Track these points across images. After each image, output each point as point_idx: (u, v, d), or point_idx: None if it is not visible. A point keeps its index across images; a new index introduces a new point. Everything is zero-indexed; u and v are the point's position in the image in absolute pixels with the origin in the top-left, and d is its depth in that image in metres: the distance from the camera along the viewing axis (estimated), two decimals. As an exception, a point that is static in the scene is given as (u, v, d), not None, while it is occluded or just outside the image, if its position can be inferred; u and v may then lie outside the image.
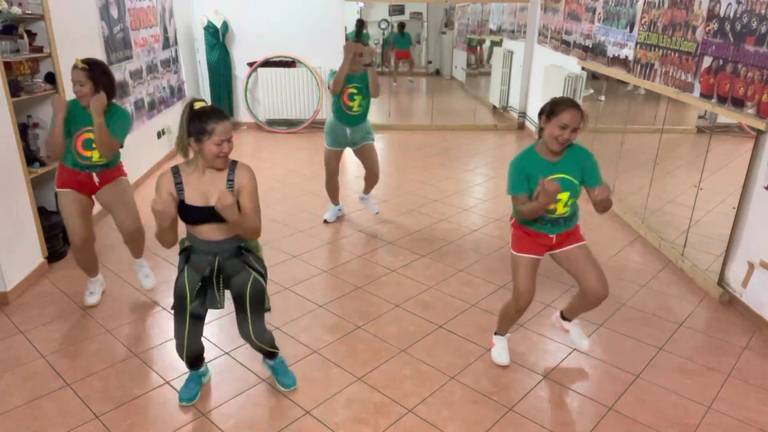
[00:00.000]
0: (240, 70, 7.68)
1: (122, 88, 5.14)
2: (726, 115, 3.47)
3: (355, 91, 4.16)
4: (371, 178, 4.61)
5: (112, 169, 3.22)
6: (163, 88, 6.34)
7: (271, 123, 7.82)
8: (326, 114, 7.64)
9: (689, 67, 3.86)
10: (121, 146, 3.13)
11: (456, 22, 12.00)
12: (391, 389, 2.68)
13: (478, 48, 10.58)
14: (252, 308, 2.44)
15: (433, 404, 2.59)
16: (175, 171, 2.28)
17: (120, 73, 5.11)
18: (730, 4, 3.43)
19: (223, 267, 2.36)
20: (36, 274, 3.65)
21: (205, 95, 7.76)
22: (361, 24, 10.80)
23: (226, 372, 2.80)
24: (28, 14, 3.72)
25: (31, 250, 3.65)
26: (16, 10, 3.58)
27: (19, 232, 3.51)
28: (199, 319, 2.43)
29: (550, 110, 2.44)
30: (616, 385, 2.73)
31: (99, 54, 4.68)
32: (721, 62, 3.52)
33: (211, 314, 2.47)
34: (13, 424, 2.45)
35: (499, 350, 2.89)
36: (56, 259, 3.91)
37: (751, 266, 3.28)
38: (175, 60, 6.83)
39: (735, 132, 4.15)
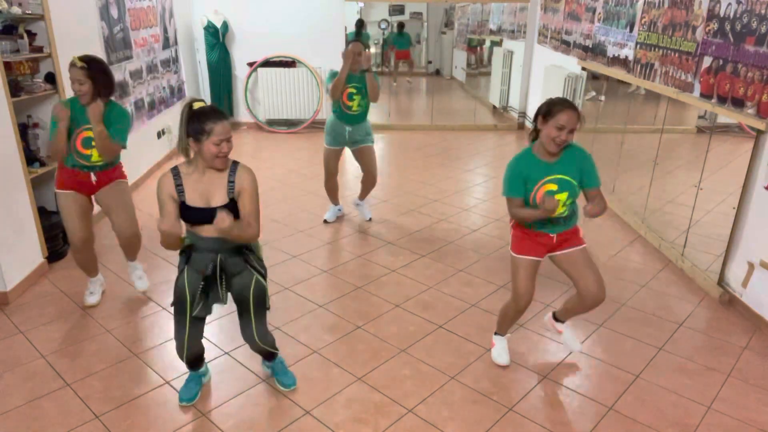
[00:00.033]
0: (240, 70, 7.69)
1: (122, 88, 5.14)
2: (726, 115, 3.47)
3: (354, 90, 4.16)
4: (368, 182, 4.59)
5: (111, 169, 3.21)
6: (163, 88, 6.34)
7: (271, 123, 7.82)
8: (326, 114, 7.63)
9: (689, 67, 3.86)
10: (125, 147, 3.14)
11: (456, 22, 12.00)
12: (391, 389, 2.68)
13: (478, 48, 10.59)
14: (255, 310, 2.44)
15: (433, 404, 2.59)
16: (175, 173, 2.28)
17: (120, 73, 5.11)
18: (730, 4, 3.43)
19: (225, 265, 2.35)
20: (36, 274, 3.65)
21: (205, 95, 7.76)
22: (360, 24, 10.80)
23: (226, 372, 2.80)
24: (28, 14, 3.72)
25: (31, 250, 3.65)
26: (16, 10, 3.58)
27: (19, 232, 3.51)
28: (199, 321, 2.43)
29: (547, 111, 2.44)
30: (616, 385, 2.73)
31: (99, 54, 4.68)
32: (721, 62, 3.52)
33: (210, 314, 2.46)
34: (13, 424, 2.45)
35: (499, 350, 2.89)
36: (56, 259, 3.91)
37: (751, 266, 3.28)
38: (175, 60, 6.83)
39: (735, 132, 4.15)
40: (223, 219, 2.15)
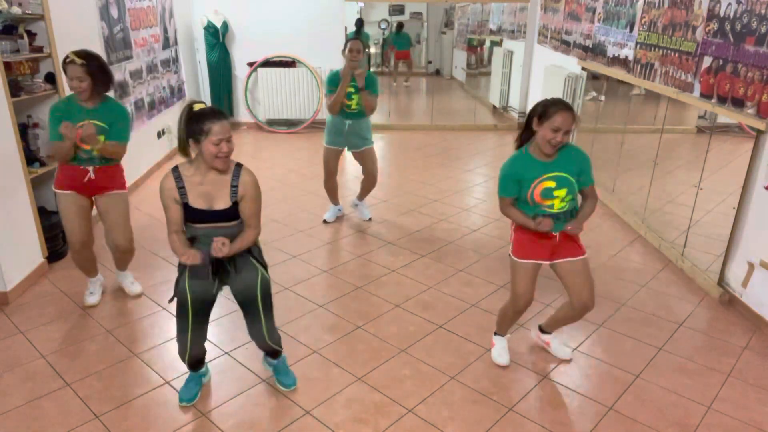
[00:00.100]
0: (240, 70, 7.69)
1: (122, 88, 5.14)
2: (726, 115, 3.47)
3: (352, 90, 4.16)
4: (369, 182, 4.58)
5: (111, 166, 3.19)
6: (163, 88, 6.34)
7: (271, 123, 7.82)
8: (326, 114, 7.63)
9: (689, 67, 3.86)
10: (126, 141, 3.14)
11: (456, 22, 12.00)
12: (391, 389, 2.68)
13: (479, 48, 10.59)
14: (264, 308, 2.45)
15: (433, 404, 2.59)
16: (177, 175, 2.28)
17: (120, 73, 5.11)
18: (730, 4, 3.43)
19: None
20: (36, 274, 3.65)
21: (205, 95, 7.76)
22: (360, 23, 10.81)
23: (226, 372, 2.80)
24: (28, 14, 3.72)
25: (31, 250, 3.65)
26: (16, 10, 3.58)
27: (19, 232, 3.51)
28: (202, 324, 2.43)
29: (542, 112, 2.43)
30: (616, 385, 2.73)
31: (99, 54, 4.67)
32: (721, 62, 3.52)
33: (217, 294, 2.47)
34: (13, 424, 2.45)
35: (499, 350, 2.89)
36: (56, 259, 3.91)
37: (751, 266, 3.28)
38: (175, 60, 6.83)
39: (735, 132, 4.15)
40: (220, 249, 2.20)
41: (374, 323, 3.23)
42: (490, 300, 3.47)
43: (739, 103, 3.34)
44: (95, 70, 2.96)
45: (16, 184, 3.48)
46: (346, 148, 4.43)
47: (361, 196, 4.72)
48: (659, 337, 3.12)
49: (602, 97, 5.98)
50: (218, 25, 7.29)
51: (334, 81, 4.16)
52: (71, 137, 2.90)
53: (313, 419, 2.49)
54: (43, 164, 3.80)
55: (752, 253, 3.29)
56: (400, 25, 11.81)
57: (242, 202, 2.32)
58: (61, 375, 2.76)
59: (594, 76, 5.73)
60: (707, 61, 3.66)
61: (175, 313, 2.45)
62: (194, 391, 2.59)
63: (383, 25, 12.52)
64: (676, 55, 4.03)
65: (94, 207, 3.29)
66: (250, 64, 7.56)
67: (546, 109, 2.42)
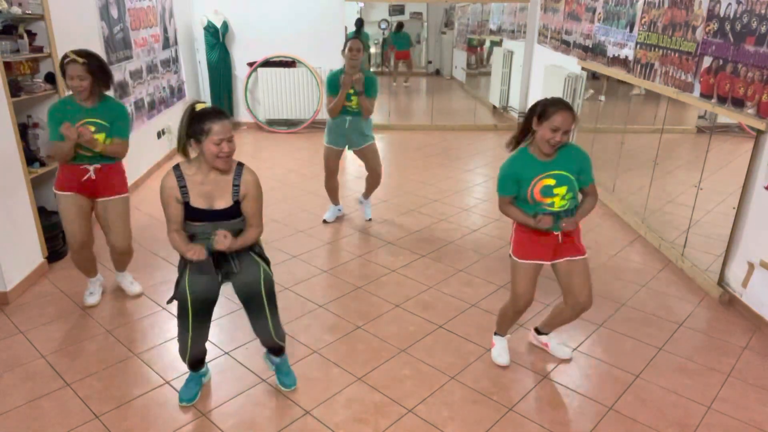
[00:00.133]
0: (240, 70, 7.69)
1: (122, 88, 5.14)
2: (726, 115, 3.47)
3: (352, 91, 4.16)
4: (373, 180, 4.59)
5: (112, 165, 3.18)
6: (163, 88, 6.34)
7: (271, 123, 7.82)
8: (325, 114, 7.63)
9: (689, 67, 3.86)
10: (126, 138, 3.15)
11: (456, 22, 12.00)
12: (391, 389, 2.68)
13: (479, 48, 10.59)
14: (269, 303, 2.44)
15: (433, 404, 2.59)
16: (179, 174, 2.28)
17: (120, 73, 5.11)
18: (730, 4, 3.43)
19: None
20: (36, 274, 3.65)
21: (205, 95, 7.76)
22: (360, 23, 10.81)
23: (226, 372, 2.80)
24: (28, 14, 3.72)
25: (31, 250, 3.65)
26: (16, 10, 3.58)
27: (19, 232, 3.51)
28: (203, 324, 2.43)
29: (542, 112, 2.42)
30: (616, 385, 2.73)
31: (99, 54, 4.67)
32: (721, 62, 3.52)
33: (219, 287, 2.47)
34: (13, 424, 2.45)
35: (499, 350, 2.89)
36: (56, 259, 3.91)
37: (751, 266, 3.28)
38: (175, 60, 6.83)
39: (735, 132, 4.15)
40: (222, 241, 2.20)
41: (374, 323, 3.22)
42: (490, 300, 3.47)
43: (739, 103, 3.34)
44: (95, 69, 2.96)
45: (16, 184, 3.48)
46: (346, 148, 4.42)
47: (367, 193, 4.73)
48: (659, 337, 3.12)
49: (602, 97, 5.98)
50: (218, 25, 7.29)
51: (334, 82, 4.16)
52: (72, 137, 2.90)
53: (313, 419, 2.49)
54: (43, 164, 3.80)
55: (752, 253, 3.29)
56: (400, 25, 11.81)
57: (244, 201, 2.32)
58: (61, 375, 2.76)
59: (594, 76, 5.73)
60: (707, 61, 3.66)
61: (176, 313, 2.45)
62: (194, 391, 2.59)
63: (383, 25, 12.53)
64: (676, 55, 4.03)
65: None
66: (250, 64, 7.56)
67: (545, 108, 2.41)
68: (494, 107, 9.05)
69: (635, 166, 4.98)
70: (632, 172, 5.01)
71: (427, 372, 2.81)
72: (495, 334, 2.94)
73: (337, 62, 4.27)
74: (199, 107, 2.21)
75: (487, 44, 10.02)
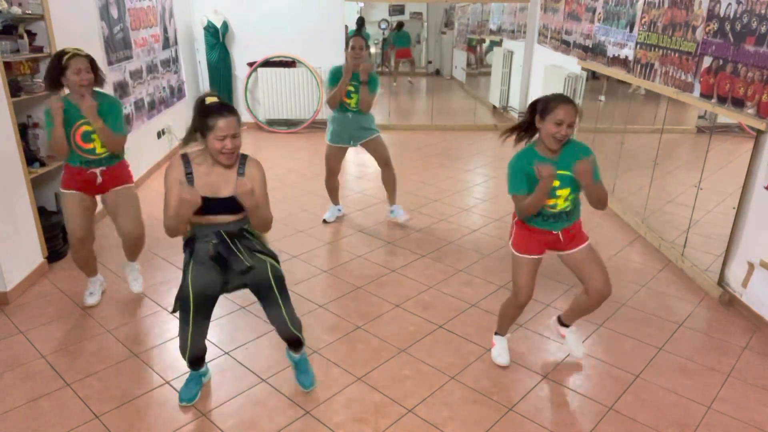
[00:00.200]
0: (240, 70, 7.69)
1: (122, 88, 5.14)
2: (726, 115, 3.47)
3: (352, 88, 4.16)
4: (388, 178, 4.51)
5: (116, 165, 3.20)
6: (163, 88, 6.34)
7: (271, 123, 7.82)
8: (325, 114, 7.63)
9: (689, 67, 3.86)
10: (125, 135, 3.15)
11: (456, 22, 12.01)
12: (391, 389, 2.68)
13: (478, 48, 10.60)
14: (280, 292, 2.44)
15: (433, 404, 2.59)
16: (186, 161, 2.29)
17: (120, 73, 5.11)
18: (730, 4, 3.43)
19: (231, 234, 2.35)
20: (36, 274, 3.65)
21: (205, 95, 7.75)
22: (361, 21, 10.82)
23: (226, 372, 2.80)
24: (28, 14, 3.72)
25: (31, 250, 3.65)
26: (16, 10, 3.58)
27: (19, 232, 3.51)
28: (203, 320, 2.43)
29: (543, 108, 2.42)
30: (616, 385, 2.73)
31: (99, 54, 4.68)
32: (721, 62, 3.52)
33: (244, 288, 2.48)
34: (13, 424, 2.45)
35: (499, 350, 2.89)
36: (56, 259, 3.91)
37: (751, 266, 3.28)
38: (175, 60, 6.83)
39: (735, 132, 4.15)
40: (244, 182, 2.17)
41: (374, 323, 3.22)
42: (490, 300, 3.47)
43: (739, 103, 3.34)
44: (94, 62, 3.02)
45: (16, 184, 3.48)
46: (349, 145, 4.40)
47: (391, 198, 4.63)
48: (659, 337, 3.12)
49: (602, 97, 5.98)
50: (218, 25, 7.29)
51: (337, 76, 4.15)
52: (58, 111, 2.89)
53: (313, 419, 2.49)
54: (43, 164, 3.80)
55: (752, 253, 3.29)
56: (401, 24, 11.82)
57: None
58: (61, 375, 2.76)
59: (594, 76, 5.73)
60: (707, 61, 3.66)
61: (171, 310, 2.45)
62: (194, 391, 2.59)
63: (383, 25, 12.53)
64: (676, 55, 4.03)
65: (100, 204, 3.29)
66: (250, 64, 7.56)
67: (546, 104, 2.42)
68: (494, 107, 9.05)
69: (635, 166, 4.98)
70: (632, 172, 5.01)
71: (427, 372, 2.81)
72: (495, 333, 2.94)
73: (337, 62, 4.27)
74: (208, 101, 2.21)
75: (485, 44, 10.03)
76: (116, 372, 2.79)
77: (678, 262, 3.93)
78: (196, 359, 2.52)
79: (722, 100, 3.50)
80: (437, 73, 13.29)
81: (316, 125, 7.72)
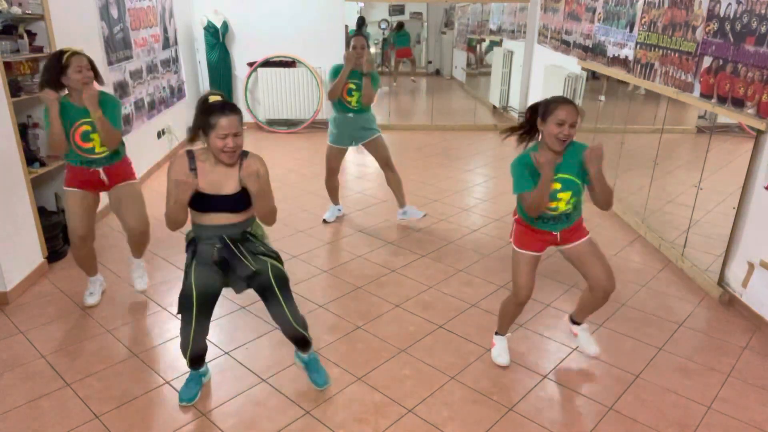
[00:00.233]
0: (240, 70, 7.69)
1: (122, 88, 5.14)
2: (726, 115, 3.47)
3: (353, 87, 4.16)
4: (393, 179, 4.51)
5: (118, 163, 3.20)
6: (163, 88, 6.34)
7: (271, 123, 7.82)
8: (326, 114, 7.64)
9: (689, 67, 3.86)
10: (121, 130, 3.15)
11: (456, 22, 12.01)
12: (391, 389, 2.68)
13: (477, 48, 10.60)
14: (281, 290, 2.44)
15: (433, 404, 2.59)
16: (191, 156, 2.30)
17: (120, 73, 5.11)
18: (730, 4, 3.43)
19: (234, 239, 2.36)
20: (36, 274, 3.65)
21: (205, 95, 7.75)
22: (362, 21, 10.82)
23: (226, 372, 2.80)
24: (28, 14, 3.72)
25: (31, 250, 3.65)
26: (16, 10, 3.58)
27: (19, 232, 3.51)
28: (205, 319, 2.44)
29: (544, 110, 2.43)
30: (616, 385, 2.73)
31: (99, 54, 4.69)
32: (721, 62, 3.52)
33: (245, 289, 2.48)
34: (13, 424, 2.45)
35: (499, 350, 2.89)
36: (56, 259, 3.91)
37: (751, 266, 3.28)
38: (175, 60, 6.83)
39: (735, 132, 4.15)
40: (249, 164, 2.20)
41: (374, 323, 3.22)
42: (490, 300, 3.47)
43: (739, 103, 3.34)
44: (92, 62, 3.03)
45: (16, 184, 3.48)
46: (350, 146, 4.40)
47: (400, 200, 4.61)
48: (659, 337, 3.12)
49: (602, 97, 5.98)
50: (218, 25, 7.29)
51: (338, 70, 4.16)
52: (53, 101, 2.89)
53: (313, 419, 2.49)
54: (43, 164, 3.80)
55: (752, 253, 3.29)
56: (401, 24, 11.82)
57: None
58: (61, 375, 2.76)
59: (594, 76, 5.73)
60: (707, 61, 3.66)
61: (176, 311, 2.45)
62: (194, 391, 2.59)
63: (383, 25, 12.53)
64: (676, 55, 4.03)
65: (101, 202, 3.30)
66: (250, 64, 7.56)
67: (547, 106, 2.43)
68: (494, 107, 9.05)
69: (635, 166, 4.98)
70: (632, 172, 5.01)
71: (427, 372, 2.81)
72: (495, 333, 2.94)
73: (338, 62, 4.27)
74: (211, 99, 2.22)
75: (484, 44, 10.02)
76: (116, 372, 2.79)
77: (678, 262, 3.93)
78: (196, 358, 2.53)
79: (722, 100, 3.50)
80: (437, 73, 13.29)
81: (316, 125, 7.72)
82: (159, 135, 6.20)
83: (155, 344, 3.02)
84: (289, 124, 7.83)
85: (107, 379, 2.73)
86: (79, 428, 2.42)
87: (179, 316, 2.42)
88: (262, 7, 7.39)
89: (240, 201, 2.32)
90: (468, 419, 2.50)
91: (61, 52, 2.94)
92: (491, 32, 9.60)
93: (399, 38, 11.64)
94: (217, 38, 7.35)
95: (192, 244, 2.40)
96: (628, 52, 4.80)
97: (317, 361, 2.72)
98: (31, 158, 3.72)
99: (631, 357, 2.94)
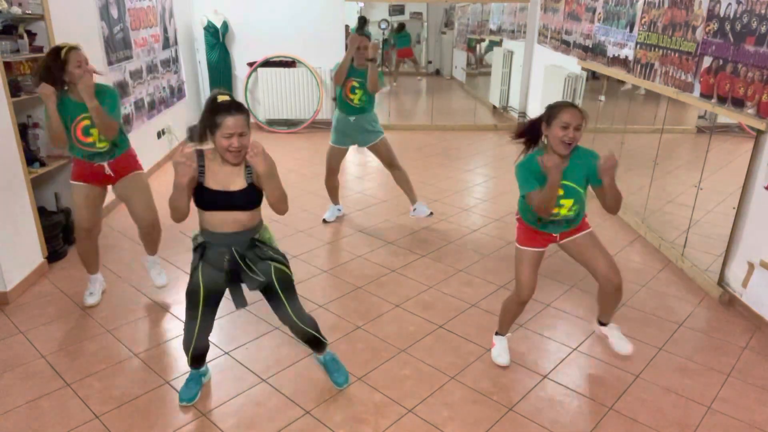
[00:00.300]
0: (240, 70, 7.69)
1: (122, 88, 5.14)
2: (726, 115, 3.47)
3: (356, 84, 4.17)
4: (400, 178, 4.52)
5: (122, 156, 3.20)
6: (163, 88, 6.33)
7: (271, 123, 7.82)
8: (326, 114, 7.65)
9: (689, 67, 3.86)
10: (119, 122, 3.13)
11: (456, 22, 12.01)
12: (391, 389, 2.68)
13: (477, 48, 10.60)
14: (283, 290, 2.43)
15: (433, 404, 2.59)
16: (200, 154, 2.30)
17: (120, 73, 5.11)
18: (730, 4, 3.43)
19: (242, 254, 2.37)
20: (36, 274, 3.65)
21: (204, 95, 7.76)
22: (363, 20, 10.81)
23: (226, 372, 2.80)
24: (28, 14, 3.72)
25: (31, 250, 3.65)
26: (16, 10, 3.58)
27: (19, 232, 3.51)
28: (210, 316, 2.44)
29: (549, 115, 2.44)
30: (616, 385, 2.73)
31: (99, 54, 4.69)
32: (721, 62, 3.52)
33: (246, 305, 2.48)
34: (13, 424, 2.45)
35: (500, 350, 2.89)
36: (56, 259, 3.91)
37: (751, 266, 3.28)
38: (175, 60, 6.83)
39: (735, 132, 4.15)
40: (256, 144, 2.18)
41: (374, 323, 3.22)
42: (490, 300, 3.47)
43: (739, 103, 3.34)
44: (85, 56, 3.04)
45: (16, 184, 3.48)
46: (352, 146, 4.42)
47: (410, 197, 4.62)
48: (659, 337, 3.12)
49: (602, 97, 5.98)
50: (218, 25, 7.29)
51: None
52: (50, 96, 2.88)
53: (313, 419, 2.49)
54: (43, 164, 3.80)
55: (752, 253, 3.29)
56: (402, 26, 11.82)
57: (260, 180, 2.31)
58: (61, 375, 2.76)
59: (594, 76, 5.73)
60: (707, 61, 3.66)
61: (176, 311, 2.45)
62: (194, 391, 2.59)
63: (383, 25, 12.52)
64: (676, 55, 4.03)
65: (108, 196, 3.31)
66: (250, 64, 7.56)
67: (551, 111, 2.45)
68: (494, 107, 9.05)
69: (635, 166, 4.97)
70: (632, 172, 5.01)
71: (427, 372, 2.81)
72: (495, 333, 2.94)
73: (338, 60, 4.28)
74: (220, 99, 2.22)
75: (484, 44, 10.02)
76: (116, 372, 2.79)
77: (678, 262, 3.93)
78: (198, 356, 2.53)
79: (722, 100, 3.50)
80: (437, 73, 13.29)
81: (316, 125, 7.72)
82: (159, 135, 6.20)
83: (155, 344, 3.02)
84: (289, 124, 7.83)
85: (107, 379, 2.73)
86: (79, 428, 2.42)
87: (184, 313, 2.43)
88: (262, 7, 7.39)
89: (247, 197, 2.32)
90: (468, 419, 2.50)
91: (58, 48, 2.94)
92: (491, 32, 9.60)
93: (400, 39, 11.65)
94: (217, 38, 7.35)
95: (200, 248, 2.40)
96: (628, 52, 4.80)
97: (336, 360, 2.72)
98: (31, 158, 3.72)
99: (631, 357, 2.94)
